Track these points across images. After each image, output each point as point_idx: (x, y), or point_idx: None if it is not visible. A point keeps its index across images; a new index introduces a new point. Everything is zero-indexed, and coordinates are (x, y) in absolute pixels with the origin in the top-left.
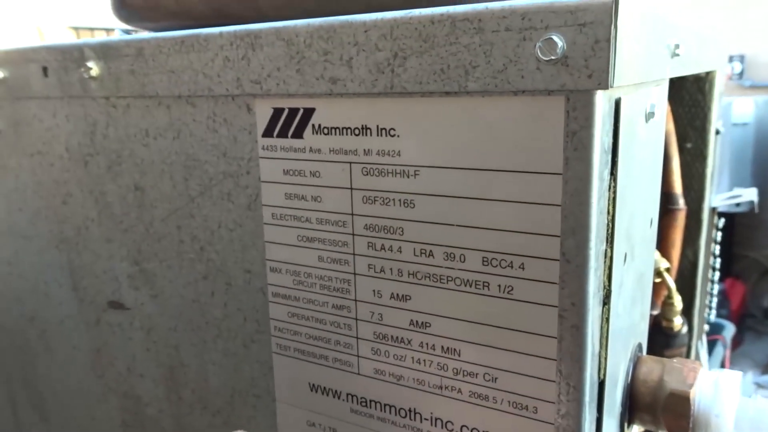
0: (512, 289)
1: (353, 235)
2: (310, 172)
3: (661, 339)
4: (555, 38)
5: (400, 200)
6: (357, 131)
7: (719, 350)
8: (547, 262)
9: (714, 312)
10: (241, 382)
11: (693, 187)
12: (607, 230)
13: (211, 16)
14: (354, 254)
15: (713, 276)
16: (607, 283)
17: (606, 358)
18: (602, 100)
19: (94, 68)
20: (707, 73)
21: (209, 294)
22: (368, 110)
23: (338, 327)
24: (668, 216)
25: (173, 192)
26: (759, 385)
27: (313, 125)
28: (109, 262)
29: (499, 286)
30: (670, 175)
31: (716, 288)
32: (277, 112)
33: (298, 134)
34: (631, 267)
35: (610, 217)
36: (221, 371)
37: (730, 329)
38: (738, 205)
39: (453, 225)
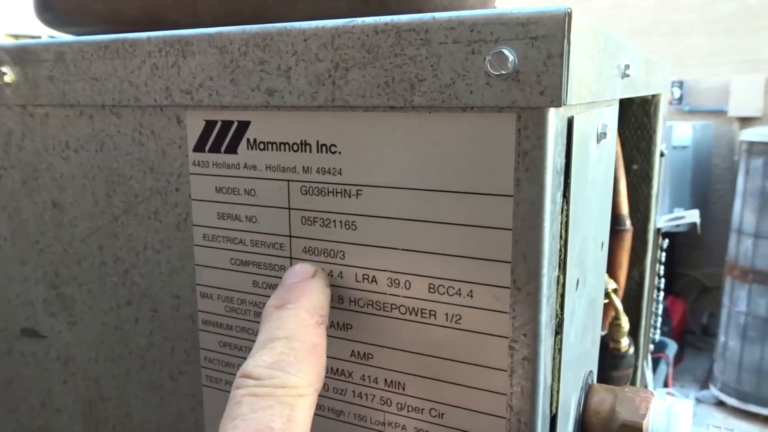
0: (460, 318)
1: (291, 258)
2: (245, 190)
3: (608, 360)
4: (506, 52)
5: (341, 222)
6: (295, 147)
7: (662, 368)
8: (497, 290)
9: (658, 331)
10: (167, 417)
11: (639, 208)
12: (560, 255)
13: (144, 22)
14: None
15: (658, 296)
16: (559, 312)
17: (558, 391)
18: (555, 119)
19: (8, 74)
20: (653, 96)
21: (133, 321)
22: (307, 125)
23: None
24: (615, 237)
25: (95, 209)
26: (699, 400)
27: (248, 140)
28: (23, 285)
29: (446, 314)
30: (618, 197)
31: (660, 308)
32: (210, 124)
33: (232, 149)
34: (583, 293)
35: (563, 242)
36: (145, 405)
37: (672, 347)
38: (678, 225)
39: (397, 249)
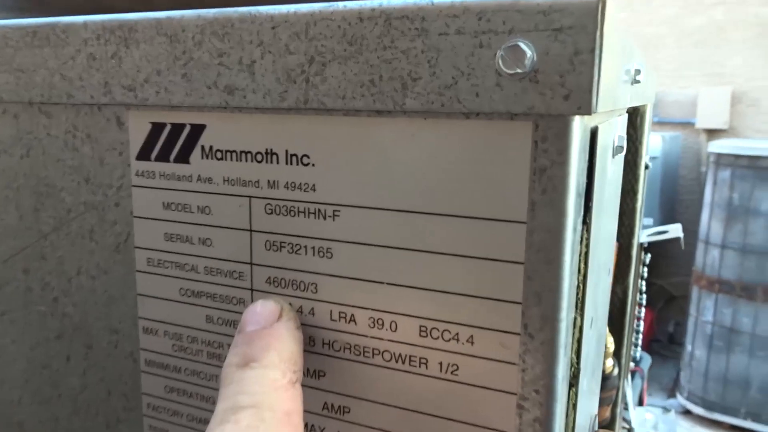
0: (457, 369)
1: (252, 290)
2: (198, 207)
3: None
4: (522, 46)
5: (314, 248)
6: (260, 157)
7: (638, 382)
8: (504, 336)
9: (639, 348)
10: None
11: (624, 222)
12: (578, 294)
13: (91, 11)
14: None
15: (639, 312)
16: (575, 360)
17: None
18: (579, 129)
19: None
20: (639, 107)
21: (64, 358)
22: (275, 130)
23: None
24: None
25: (19, 225)
26: (665, 409)
27: (203, 147)
28: None
29: (441, 363)
30: None
31: (642, 324)
32: (157, 128)
33: (184, 158)
34: (594, 331)
35: (581, 277)
36: None
37: (647, 360)
38: (657, 234)
39: (383, 283)
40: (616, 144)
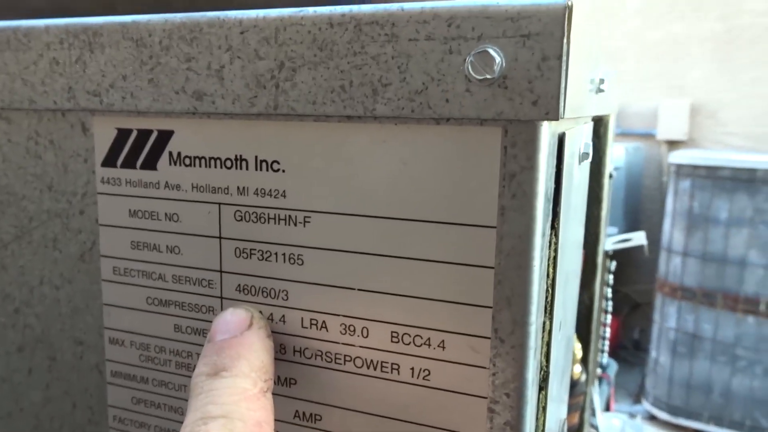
0: (429, 374)
1: (222, 298)
2: (166, 214)
3: None
4: (491, 52)
5: (284, 255)
6: (229, 163)
7: (604, 388)
8: (475, 340)
9: (606, 354)
10: None
11: (589, 230)
12: (547, 297)
13: (49, 11)
14: None
15: (605, 319)
16: (545, 364)
17: None
18: (548, 135)
19: None
20: (602, 117)
21: (26, 371)
22: (245, 136)
23: None
24: None
25: None
26: (631, 415)
27: (171, 153)
28: None
29: (413, 369)
30: None
31: (608, 331)
32: (123, 134)
33: (151, 164)
34: (563, 335)
35: (550, 281)
36: None
37: (613, 366)
38: (621, 242)
39: (353, 289)
40: (582, 151)
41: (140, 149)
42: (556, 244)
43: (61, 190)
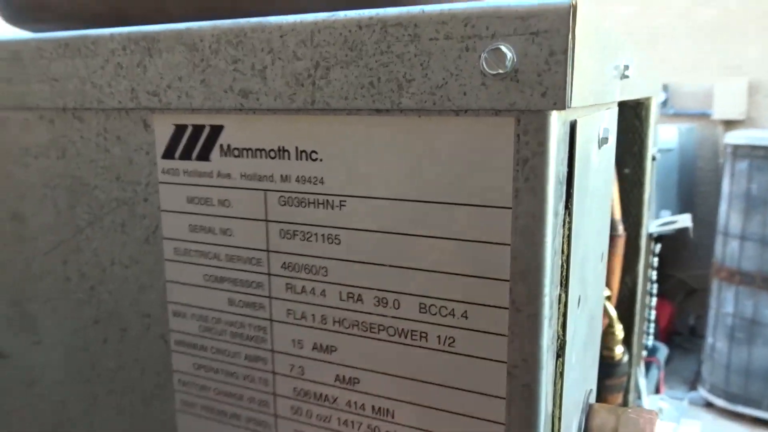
0: (454, 341)
1: (269, 275)
2: (219, 200)
3: (602, 369)
4: (503, 49)
5: (323, 235)
6: (273, 154)
7: (654, 372)
8: (495, 311)
9: (651, 337)
10: None
11: (631, 212)
12: (562, 272)
13: (109, 18)
14: (270, 297)
15: (650, 302)
16: (561, 333)
17: (560, 418)
18: (557, 123)
19: None
20: (644, 99)
21: (101, 341)
22: (286, 129)
23: (253, 381)
24: (609, 243)
25: (57, 221)
26: (688, 402)
27: (222, 146)
28: None
29: (439, 337)
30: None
31: (653, 313)
32: (180, 129)
33: (204, 156)
34: (584, 310)
35: (564, 257)
36: (115, 431)
37: (663, 351)
38: (666, 225)
39: (385, 265)
40: (601, 136)
41: (195, 142)
42: (570, 223)
43: (127, 181)
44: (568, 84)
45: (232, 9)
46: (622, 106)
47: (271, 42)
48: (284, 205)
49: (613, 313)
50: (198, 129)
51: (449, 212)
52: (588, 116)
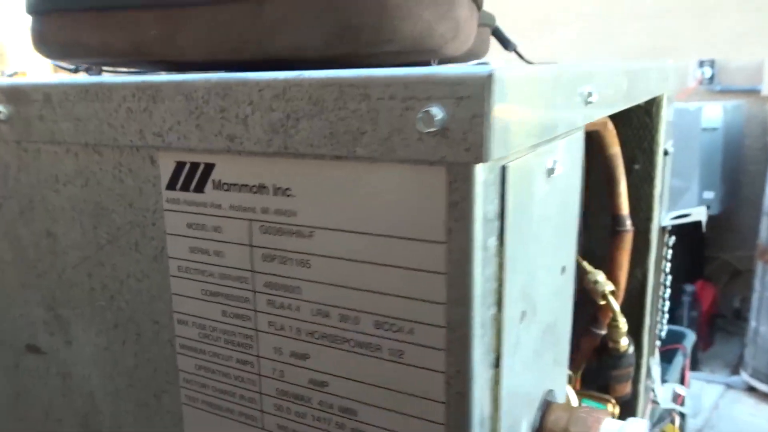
0: (402, 354)
1: (254, 291)
2: (212, 226)
3: (608, 360)
4: (435, 110)
5: (297, 260)
6: (255, 189)
7: (679, 359)
8: (434, 329)
9: (665, 327)
10: None
11: (641, 207)
12: (497, 296)
13: (131, 53)
14: (255, 311)
15: (664, 293)
16: (497, 347)
17: (498, 420)
18: (482, 172)
19: (4, 111)
20: (655, 98)
21: (120, 343)
22: (265, 169)
23: (242, 381)
24: (616, 238)
25: (83, 239)
26: (728, 386)
27: (214, 180)
28: (25, 306)
29: (390, 349)
30: (617, 198)
31: (667, 305)
32: (180, 165)
33: (200, 188)
34: (533, 322)
35: (498, 283)
36: (135, 421)
37: (690, 338)
38: (708, 207)
39: (347, 287)
40: (548, 167)
41: (192, 177)
42: (504, 253)
43: (138, 207)
44: (486, 141)
45: (237, 49)
46: (633, 107)
47: (252, 95)
48: (265, 233)
49: (616, 307)
50: (194, 166)
51: (396, 245)
52: (529, 154)
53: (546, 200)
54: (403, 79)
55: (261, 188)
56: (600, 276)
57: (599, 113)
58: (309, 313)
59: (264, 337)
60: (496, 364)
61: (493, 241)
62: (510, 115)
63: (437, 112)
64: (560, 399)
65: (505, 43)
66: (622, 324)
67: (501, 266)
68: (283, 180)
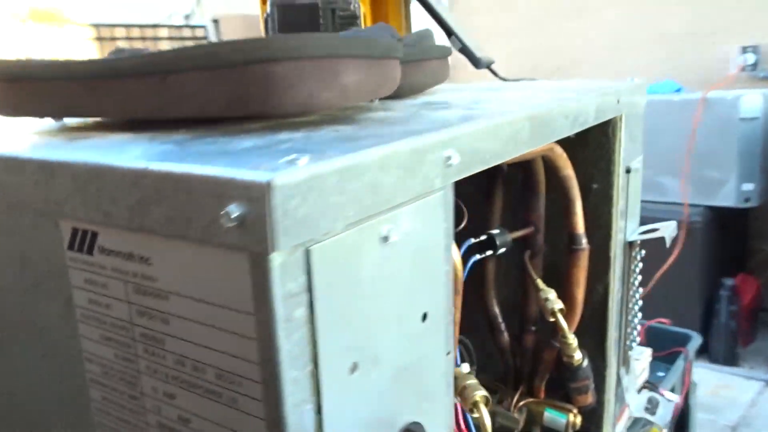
0: (236, 401)
1: (134, 340)
2: (101, 284)
3: (565, 372)
4: (233, 207)
5: (159, 317)
6: (126, 256)
7: (679, 363)
8: (254, 383)
9: (637, 339)
10: None
11: (601, 225)
12: (312, 355)
13: (66, 114)
14: (137, 355)
15: (634, 305)
16: (316, 397)
17: None
18: (279, 257)
19: None
20: (611, 119)
21: (53, 372)
22: (132, 241)
23: (133, 413)
24: (572, 256)
25: (14, 281)
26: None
27: (99, 246)
28: None
29: (228, 397)
30: (573, 217)
31: (639, 316)
32: (74, 230)
33: (90, 252)
34: (373, 370)
35: (312, 346)
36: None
37: (696, 341)
38: (747, 200)
39: (196, 343)
40: (382, 235)
41: (84, 241)
42: (314, 320)
43: (52, 261)
44: (275, 234)
45: (155, 109)
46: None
47: (116, 180)
48: (136, 292)
49: (564, 324)
50: (84, 232)
51: (224, 312)
52: (348, 231)
53: (383, 264)
54: (214, 179)
55: (130, 256)
56: (551, 294)
57: (473, 168)
58: (172, 361)
59: (144, 377)
60: (318, 411)
61: (301, 312)
62: (299, 209)
63: (234, 210)
64: (436, 428)
65: (476, 62)
66: (571, 339)
67: (313, 331)
68: (145, 251)
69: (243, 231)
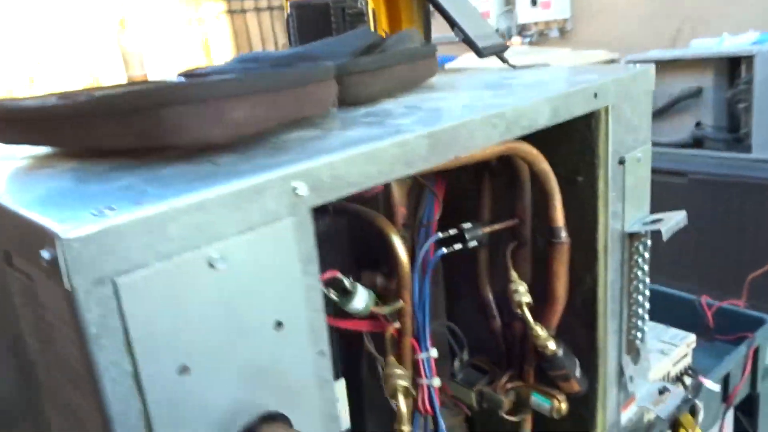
0: (86, 395)
1: (41, 341)
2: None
3: (543, 362)
4: (44, 252)
5: (47, 324)
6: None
7: (741, 349)
8: (90, 382)
9: (647, 324)
10: None
11: (586, 218)
12: (131, 360)
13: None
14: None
15: (638, 296)
16: (142, 402)
17: None
18: (81, 291)
19: None
20: (594, 112)
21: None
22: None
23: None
24: (552, 249)
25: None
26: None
27: None
28: None
29: (85, 390)
30: (552, 211)
31: (647, 305)
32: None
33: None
34: (210, 372)
35: (129, 355)
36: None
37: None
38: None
39: (62, 347)
40: (208, 264)
41: None
42: (130, 341)
43: None
44: (67, 274)
45: (103, 144)
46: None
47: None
48: (33, 302)
49: (528, 317)
50: None
51: (64, 327)
52: (164, 261)
53: (212, 286)
54: (34, 223)
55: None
56: (521, 287)
57: (340, 192)
58: (59, 357)
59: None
60: (147, 416)
61: (113, 327)
62: (98, 253)
63: (45, 253)
64: (305, 418)
65: (479, 52)
66: (540, 330)
67: (128, 342)
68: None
69: (52, 269)
